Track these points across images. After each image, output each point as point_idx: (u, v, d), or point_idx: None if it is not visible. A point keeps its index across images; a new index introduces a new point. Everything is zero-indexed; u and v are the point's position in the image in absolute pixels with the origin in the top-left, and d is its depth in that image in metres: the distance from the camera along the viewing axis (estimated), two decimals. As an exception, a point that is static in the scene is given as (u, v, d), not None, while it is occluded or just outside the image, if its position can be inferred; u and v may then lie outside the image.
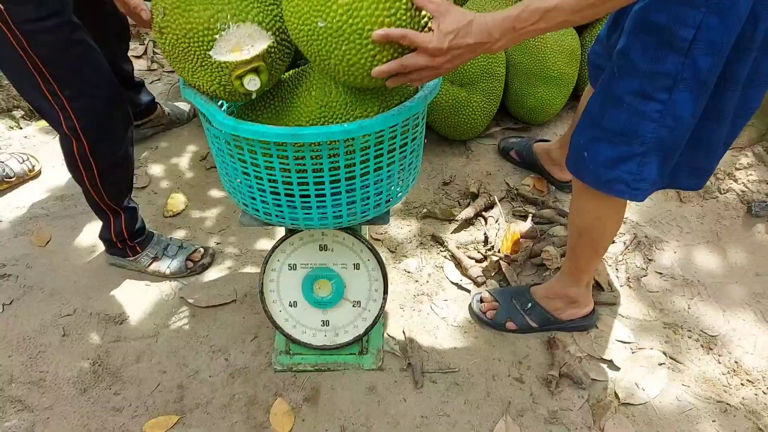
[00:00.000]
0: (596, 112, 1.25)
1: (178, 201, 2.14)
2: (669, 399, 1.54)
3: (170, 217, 2.10)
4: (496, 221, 2.06)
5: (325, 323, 1.52)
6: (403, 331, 1.69)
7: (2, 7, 1.27)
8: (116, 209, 1.72)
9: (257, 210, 1.25)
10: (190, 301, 1.77)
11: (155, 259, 1.84)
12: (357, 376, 1.58)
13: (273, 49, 1.10)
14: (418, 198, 2.17)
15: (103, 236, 1.80)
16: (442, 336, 1.69)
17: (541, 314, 1.67)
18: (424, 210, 2.10)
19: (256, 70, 1.08)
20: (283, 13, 1.07)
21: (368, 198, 1.23)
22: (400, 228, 2.06)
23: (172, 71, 3.04)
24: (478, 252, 1.95)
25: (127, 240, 1.80)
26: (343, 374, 1.58)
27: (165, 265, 1.84)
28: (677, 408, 1.52)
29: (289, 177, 1.14)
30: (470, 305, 1.76)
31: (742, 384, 1.57)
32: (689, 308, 1.78)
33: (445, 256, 1.95)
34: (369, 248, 1.43)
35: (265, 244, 1.99)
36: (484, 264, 1.91)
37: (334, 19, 0.96)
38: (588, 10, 0.91)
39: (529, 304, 1.68)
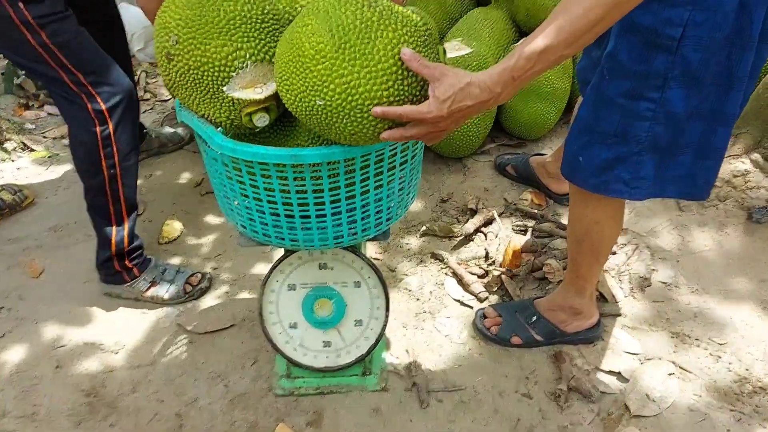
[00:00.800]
0: (588, 117, 1.24)
1: (173, 228, 2.11)
2: (681, 410, 1.50)
3: (166, 244, 2.07)
4: (496, 236, 2.04)
5: (327, 344, 1.48)
6: (407, 350, 1.66)
7: (22, 5, 1.39)
8: (124, 213, 1.72)
9: (256, 231, 1.23)
10: (188, 327, 1.73)
11: (153, 283, 1.81)
12: (361, 397, 1.54)
13: None
14: (416, 216, 2.16)
15: (101, 258, 1.76)
16: (447, 354, 1.66)
17: (547, 327, 1.64)
18: (423, 228, 2.08)
19: (266, 109, 1.07)
20: (276, 88, 1.04)
21: (368, 216, 1.21)
22: (400, 246, 2.04)
23: (165, 101, 3.04)
24: (480, 267, 1.93)
25: (126, 256, 1.76)
26: (346, 396, 1.54)
27: (164, 290, 1.81)
28: (690, 418, 1.48)
29: (289, 198, 1.12)
30: (474, 321, 1.72)
31: (754, 391, 1.54)
32: (696, 317, 1.75)
33: (446, 273, 1.92)
34: (369, 265, 1.40)
35: (262, 268, 1.96)
36: (486, 279, 1.88)
37: (333, 97, 0.95)
38: (580, 40, 0.90)
39: (534, 318, 1.65)
